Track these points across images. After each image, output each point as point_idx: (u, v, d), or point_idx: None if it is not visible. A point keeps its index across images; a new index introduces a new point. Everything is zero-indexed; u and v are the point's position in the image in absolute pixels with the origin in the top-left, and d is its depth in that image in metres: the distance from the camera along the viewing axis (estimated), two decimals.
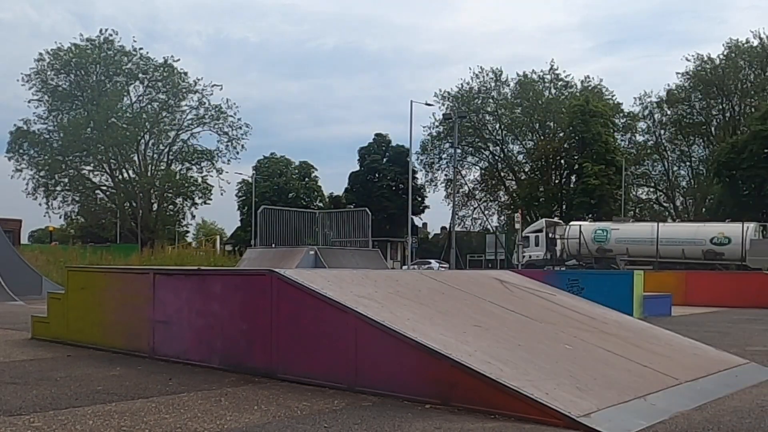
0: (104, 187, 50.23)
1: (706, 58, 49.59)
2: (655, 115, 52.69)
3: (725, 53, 49.10)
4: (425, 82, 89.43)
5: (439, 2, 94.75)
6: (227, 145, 50.22)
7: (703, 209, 49.53)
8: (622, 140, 52.51)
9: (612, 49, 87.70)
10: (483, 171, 55.31)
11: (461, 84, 53.72)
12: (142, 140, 48.93)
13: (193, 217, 54.88)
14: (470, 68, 76.20)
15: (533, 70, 53.11)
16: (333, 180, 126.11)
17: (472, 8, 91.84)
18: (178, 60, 49.84)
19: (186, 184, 49.99)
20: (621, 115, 52.82)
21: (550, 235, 35.00)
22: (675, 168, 53.23)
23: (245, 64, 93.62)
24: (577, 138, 47.15)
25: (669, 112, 52.08)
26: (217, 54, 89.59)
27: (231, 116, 50.18)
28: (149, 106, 49.80)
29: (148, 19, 79.29)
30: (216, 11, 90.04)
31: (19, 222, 43.05)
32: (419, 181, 54.91)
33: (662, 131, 52.89)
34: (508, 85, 53.13)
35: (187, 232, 60.48)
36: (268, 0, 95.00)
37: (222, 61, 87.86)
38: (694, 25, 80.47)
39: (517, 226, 41.93)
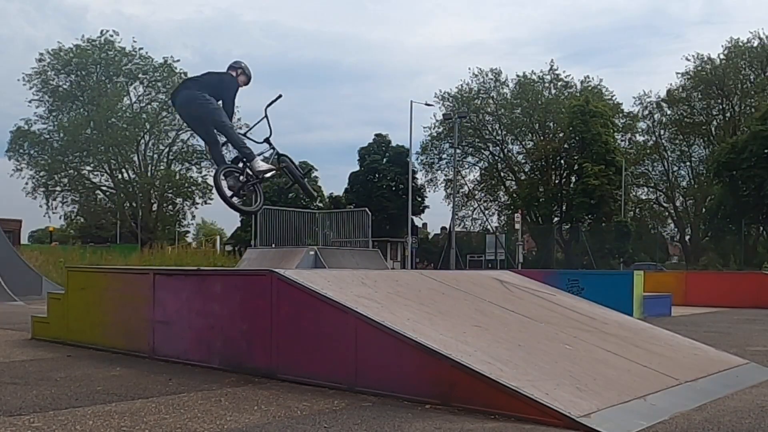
0: (104, 187, 50.25)
1: (705, 58, 49.63)
2: (655, 116, 52.73)
3: (725, 53, 49.12)
4: (405, 91, 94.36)
5: (408, 20, 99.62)
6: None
7: (703, 209, 49.52)
8: (621, 140, 52.48)
9: (577, 62, 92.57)
10: (483, 171, 55.28)
11: (461, 84, 53.75)
12: (142, 140, 48.93)
13: (194, 217, 54.87)
14: (469, 68, 76.57)
15: (533, 71, 53.16)
16: (333, 180, 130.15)
17: (439, 24, 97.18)
18: (178, 60, 49.94)
19: (186, 184, 49.99)
20: (621, 115, 52.79)
21: None
22: (675, 168, 53.21)
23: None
24: (577, 138, 47.10)
25: (669, 112, 52.09)
26: (203, 65, 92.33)
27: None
28: (149, 107, 49.81)
29: (137, 31, 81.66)
30: (204, 28, 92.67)
31: (19, 222, 43.04)
32: (419, 182, 54.88)
33: (662, 131, 52.89)
34: (508, 86, 53.12)
35: (188, 232, 60.48)
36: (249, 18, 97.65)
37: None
38: (651, 40, 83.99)
39: (517, 226, 41.96)
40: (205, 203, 51.54)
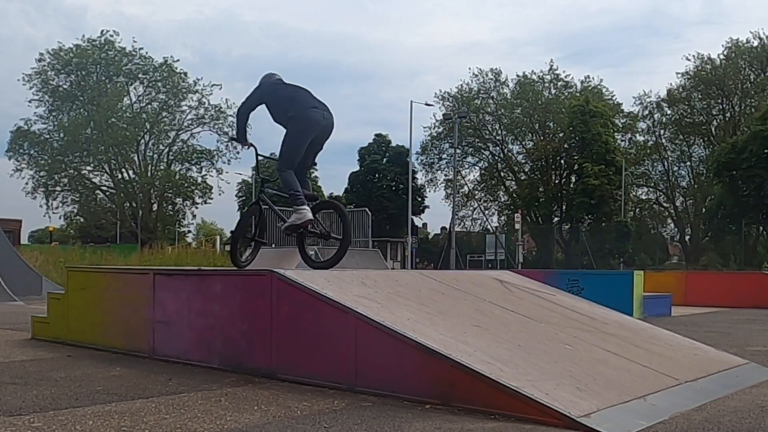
0: (104, 187, 50.24)
1: (706, 58, 49.64)
2: (655, 116, 52.74)
3: (725, 53, 49.13)
4: (405, 91, 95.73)
5: (408, 20, 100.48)
6: (227, 145, 50.21)
7: (703, 209, 49.52)
8: (621, 140, 52.49)
9: (577, 62, 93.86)
10: (483, 171, 55.29)
11: (461, 84, 53.77)
12: (142, 140, 48.92)
13: (194, 217, 54.87)
14: (469, 68, 76.84)
15: (533, 71, 53.18)
16: (333, 180, 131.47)
17: (439, 24, 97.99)
18: (178, 60, 49.93)
19: (186, 184, 49.99)
20: (621, 115, 52.80)
21: None
22: (675, 168, 53.20)
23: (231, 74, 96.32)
24: (577, 138, 47.11)
25: (669, 112, 52.09)
26: (203, 65, 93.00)
27: (231, 116, 50.11)
28: (149, 107, 49.79)
29: (137, 32, 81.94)
30: (204, 28, 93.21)
31: (19, 222, 43.12)
32: (419, 182, 54.90)
33: (662, 131, 52.89)
34: (508, 86, 53.12)
35: (188, 231, 60.48)
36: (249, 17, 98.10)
37: (207, 71, 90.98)
38: (650, 40, 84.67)
39: (517, 226, 41.98)
40: (205, 203, 51.58)
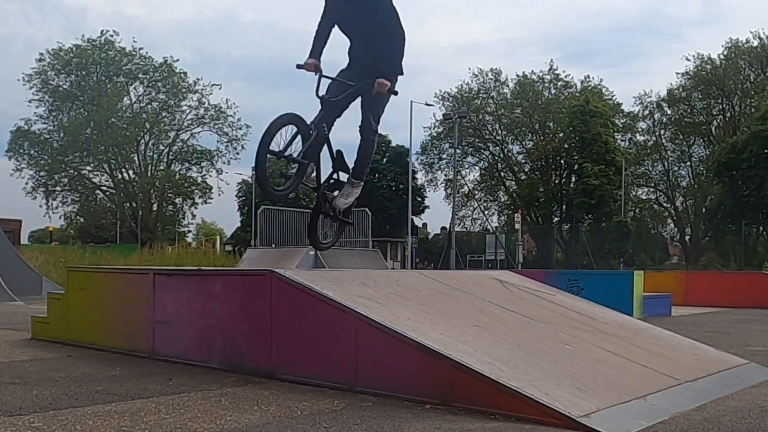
0: (104, 187, 50.28)
1: (706, 58, 49.67)
2: (655, 116, 52.76)
3: (725, 53, 49.14)
4: (405, 91, 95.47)
5: (408, 20, 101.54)
6: (227, 146, 50.23)
7: (703, 209, 49.53)
8: (622, 140, 52.50)
9: (576, 62, 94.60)
10: (483, 171, 55.29)
11: (461, 84, 53.78)
12: (142, 140, 48.96)
13: (194, 217, 54.94)
14: (469, 68, 76.85)
15: (532, 71, 53.17)
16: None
17: (439, 24, 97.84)
18: (177, 60, 49.98)
19: (186, 184, 50.02)
20: (621, 115, 52.81)
21: None
22: (675, 168, 53.21)
23: (230, 74, 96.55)
24: (577, 138, 47.11)
25: (669, 112, 52.10)
26: (202, 65, 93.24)
27: (231, 116, 50.19)
28: (149, 107, 49.84)
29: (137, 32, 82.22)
30: (204, 29, 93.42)
31: (19, 222, 43.16)
32: (419, 182, 54.88)
33: (662, 131, 52.91)
34: (508, 86, 53.12)
35: (188, 231, 60.52)
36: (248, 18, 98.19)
37: (207, 71, 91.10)
38: (650, 40, 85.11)
39: (517, 226, 41.98)
40: (205, 203, 51.59)
